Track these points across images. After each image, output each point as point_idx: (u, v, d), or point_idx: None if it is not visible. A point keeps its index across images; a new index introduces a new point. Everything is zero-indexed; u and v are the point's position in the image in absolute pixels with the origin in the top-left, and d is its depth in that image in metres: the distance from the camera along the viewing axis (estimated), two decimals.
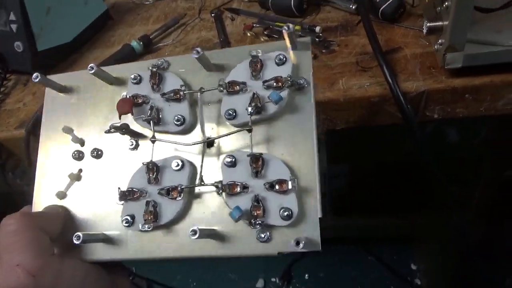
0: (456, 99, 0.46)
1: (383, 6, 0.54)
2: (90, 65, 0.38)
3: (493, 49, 0.42)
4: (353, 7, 0.59)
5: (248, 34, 0.61)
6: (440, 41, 0.43)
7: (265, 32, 0.60)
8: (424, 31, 0.44)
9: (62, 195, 0.39)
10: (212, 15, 0.68)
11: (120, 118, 0.37)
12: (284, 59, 0.35)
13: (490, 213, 0.75)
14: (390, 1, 0.54)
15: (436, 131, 0.59)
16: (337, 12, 0.61)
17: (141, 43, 0.63)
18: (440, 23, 0.42)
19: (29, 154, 0.56)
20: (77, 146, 0.40)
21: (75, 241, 0.34)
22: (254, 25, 0.63)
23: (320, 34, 0.56)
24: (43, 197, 0.40)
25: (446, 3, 0.40)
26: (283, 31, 0.34)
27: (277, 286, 1.39)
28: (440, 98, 0.46)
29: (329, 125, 0.51)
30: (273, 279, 1.40)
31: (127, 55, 0.62)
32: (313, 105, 0.35)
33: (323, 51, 0.54)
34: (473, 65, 0.43)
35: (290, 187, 0.32)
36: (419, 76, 0.47)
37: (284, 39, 0.35)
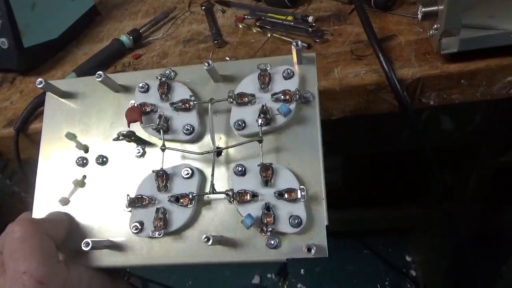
0: (451, 84, 0.46)
1: None
2: (98, 72, 0.38)
3: (488, 33, 0.42)
4: None
5: (240, 26, 0.61)
6: (435, 26, 0.43)
7: (257, 24, 0.60)
8: (419, 16, 0.43)
9: (65, 201, 0.39)
10: (203, 8, 0.67)
11: (129, 126, 0.37)
12: (292, 73, 0.37)
13: (486, 200, 0.76)
14: None
15: (432, 119, 0.59)
16: (329, 1, 0.61)
17: (131, 37, 0.62)
18: (435, 7, 0.42)
19: (18, 154, 0.55)
20: (81, 153, 0.40)
21: (84, 248, 0.34)
22: (246, 16, 0.62)
23: (313, 24, 0.55)
24: (44, 204, 0.39)
25: None
26: (292, 47, 0.36)
27: (273, 282, 1.39)
28: (436, 84, 0.46)
29: (324, 115, 0.50)
30: (269, 275, 1.40)
31: (117, 50, 0.61)
32: (319, 118, 0.36)
33: (317, 40, 0.53)
34: (468, 50, 0.43)
35: (299, 196, 0.33)
36: (415, 62, 0.46)
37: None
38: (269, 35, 0.57)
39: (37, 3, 0.62)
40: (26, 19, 0.60)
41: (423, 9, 0.43)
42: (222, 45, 0.58)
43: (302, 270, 1.39)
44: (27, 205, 0.43)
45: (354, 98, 0.48)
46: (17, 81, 0.62)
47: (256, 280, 1.40)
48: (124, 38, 0.61)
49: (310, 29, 0.55)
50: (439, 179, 0.52)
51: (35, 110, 0.54)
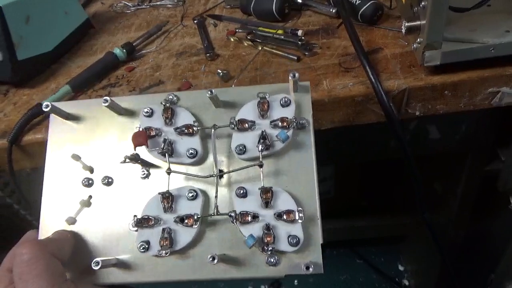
0: (436, 96, 0.47)
1: (362, 9, 0.56)
2: (104, 97, 0.40)
3: (468, 46, 0.44)
4: (333, 11, 0.60)
5: (232, 39, 0.62)
6: (418, 39, 0.45)
7: (248, 37, 0.61)
8: (403, 30, 0.45)
9: (71, 220, 0.40)
10: (195, 21, 0.69)
11: (135, 150, 0.39)
12: (289, 101, 0.39)
13: (474, 208, 0.77)
14: (368, 4, 0.56)
15: (419, 129, 0.60)
16: (317, 16, 0.63)
17: (124, 50, 0.62)
18: (418, 22, 0.43)
19: (12, 166, 0.55)
20: (87, 173, 0.42)
21: (94, 267, 0.36)
22: (237, 30, 0.64)
23: (303, 38, 0.57)
24: (50, 223, 0.41)
25: (423, 3, 0.42)
26: (290, 77, 0.38)
27: None
28: (420, 95, 0.47)
29: (314, 126, 0.51)
30: (262, 287, 1.39)
31: (110, 63, 0.62)
32: (313, 143, 0.39)
33: (306, 53, 0.55)
34: (450, 62, 0.45)
35: (297, 217, 0.36)
36: (400, 74, 0.48)
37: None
38: (260, 48, 0.58)
39: (31, 16, 0.63)
40: (20, 31, 0.61)
41: (407, 24, 0.45)
42: (214, 58, 0.59)
43: (295, 281, 1.39)
44: (20, 217, 0.43)
45: (343, 109, 0.49)
46: (10, 93, 0.63)
47: None
48: (117, 51, 0.62)
49: (299, 42, 0.56)
50: (421, 188, 0.54)
51: (29, 122, 0.54)
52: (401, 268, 1.37)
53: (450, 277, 0.81)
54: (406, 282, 1.33)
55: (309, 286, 1.37)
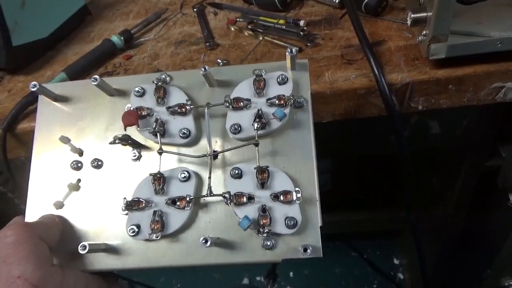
0: (440, 90, 0.47)
1: (366, 0, 0.55)
2: (94, 76, 0.38)
3: (475, 39, 0.43)
4: (337, 1, 0.59)
5: (232, 29, 0.61)
6: (424, 32, 0.44)
7: (249, 27, 0.60)
8: (408, 22, 0.44)
9: (59, 205, 0.39)
10: (194, 10, 0.67)
11: (125, 130, 0.37)
12: (286, 79, 0.38)
13: (472, 204, 0.77)
14: None
15: (420, 123, 0.60)
16: (320, 6, 0.61)
17: (122, 38, 0.61)
18: (424, 14, 0.43)
19: (6, 154, 0.54)
20: (76, 156, 0.40)
21: (80, 251, 0.35)
22: (238, 19, 0.62)
23: (305, 28, 0.56)
24: (37, 207, 0.39)
25: None
26: (287, 53, 0.37)
27: (262, 285, 1.39)
28: (424, 89, 0.47)
29: (315, 118, 0.50)
30: (258, 278, 1.40)
31: (108, 50, 0.60)
32: (312, 122, 0.38)
33: (308, 44, 0.54)
34: (456, 56, 0.44)
35: (294, 198, 0.34)
36: (404, 67, 0.47)
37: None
38: (260, 38, 0.57)
39: (27, 1, 0.61)
40: (15, 16, 0.59)
41: (413, 15, 0.43)
42: (213, 47, 0.58)
43: (291, 273, 1.39)
44: (14, 206, 0.42)
45: (344, 101, 0.48)
46: (5, 80, 0.62)
47: (245, 282, 1.40)
48: (115, 38, 0.61)
49: (301, 33, 0.55)
50: (412, 185, 0.54)
51: (23, 109, 0.53)
52: (396, 261, 1.38)
53: (445, 271, 0.81)
54: (401, 276, 1.34)
55: (304, 278, 1.38)
